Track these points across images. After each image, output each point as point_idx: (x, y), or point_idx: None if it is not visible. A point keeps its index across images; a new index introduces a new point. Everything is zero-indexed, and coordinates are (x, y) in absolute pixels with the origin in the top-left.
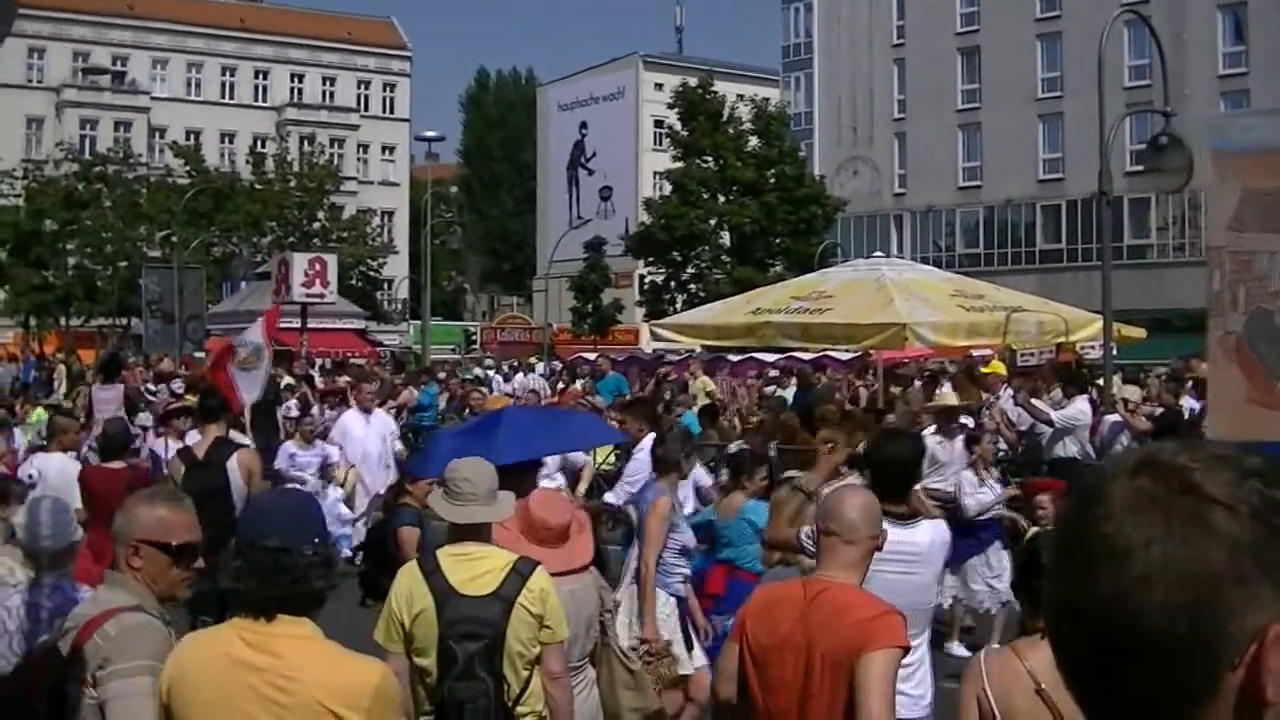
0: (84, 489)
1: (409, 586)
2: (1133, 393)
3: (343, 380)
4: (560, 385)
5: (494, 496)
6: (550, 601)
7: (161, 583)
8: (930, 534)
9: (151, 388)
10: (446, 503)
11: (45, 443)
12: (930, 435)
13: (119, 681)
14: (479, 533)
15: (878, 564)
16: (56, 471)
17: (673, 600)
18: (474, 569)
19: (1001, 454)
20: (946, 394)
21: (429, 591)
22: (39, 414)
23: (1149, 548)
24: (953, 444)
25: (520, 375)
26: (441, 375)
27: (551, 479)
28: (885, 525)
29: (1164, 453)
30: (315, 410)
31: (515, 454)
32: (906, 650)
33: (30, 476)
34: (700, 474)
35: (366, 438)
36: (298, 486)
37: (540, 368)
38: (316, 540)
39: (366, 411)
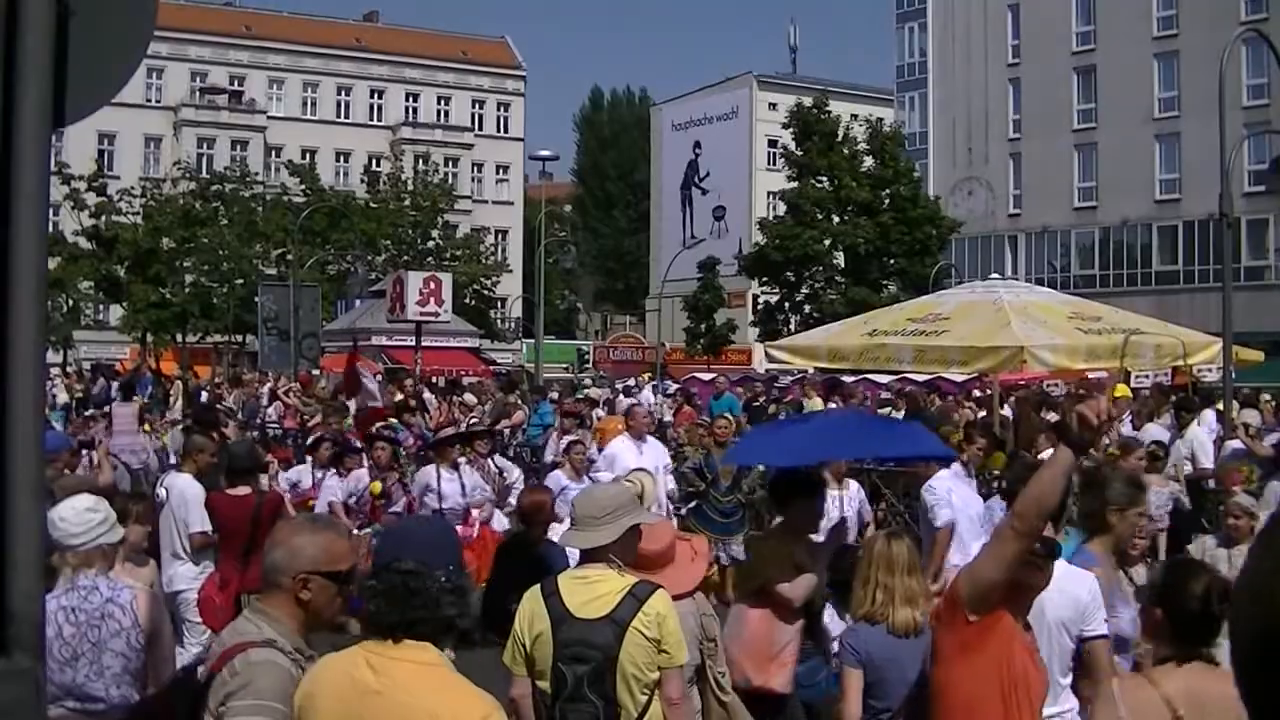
0: (211, 515)
1: (531, 609)
2: (1253, 416)
3: (468, 398)
4: (676, 405)
5: (596, 523)
6: (668, 625)
7: (328, 612)
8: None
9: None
10: (563, 528)
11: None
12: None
13: (240, 718)
14: (600, 556)
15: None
16: (178, 492)
17: None
18: (591, 591)
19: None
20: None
21: (547, 613)
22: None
23: None
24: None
25: (640, 392)
26: (554, 395)
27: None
28: None
29: None
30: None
31: (821, 453)
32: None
33: (160, 495)
34: None
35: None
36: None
37: (647, 389)
38: (451, 568)
39: (639, 439)
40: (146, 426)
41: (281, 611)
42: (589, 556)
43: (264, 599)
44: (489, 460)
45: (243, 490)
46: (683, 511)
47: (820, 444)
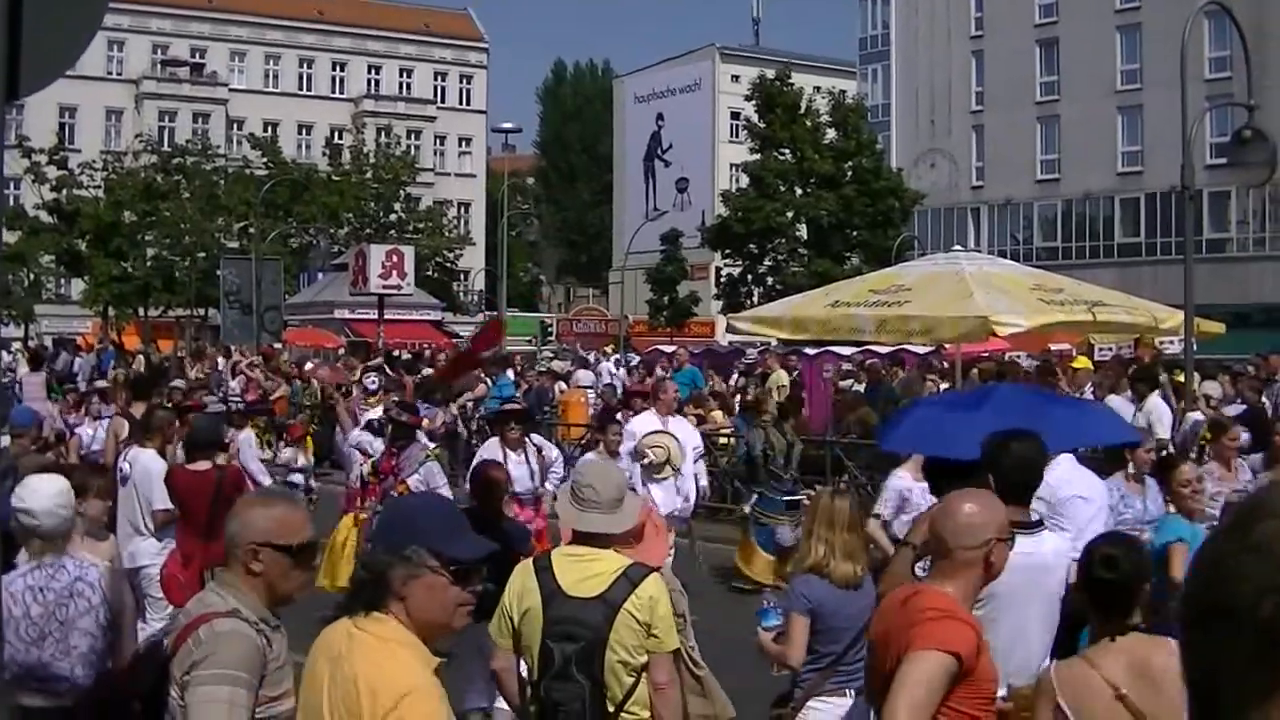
0: (170, 490)
1: (521, 583)
2: (1213, 389)
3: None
4: (639, 378)
5: (616, 506)
6: (660, 609)
7: (282, 585)
8: (1054, 543)
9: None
10: (570, 506)
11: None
12: None
13: (200, 688)
14: (598, 539)
15: (1005, 573)
16: (141, 468)
17: None
18: (585, 570)
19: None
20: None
21: (538, 589)
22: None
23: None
24: None
25: (599, 365)
26: (518, 367)
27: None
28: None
29: None
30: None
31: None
32: (956, 657)
33: (123, 470)
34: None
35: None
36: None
37: (608, 362)
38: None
39: (666, 416)
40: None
41: (244, 583)
42: (585, 537)
43: (227, 571)
44: (527, 439)
45: (203, 465)
46: (746, 509)
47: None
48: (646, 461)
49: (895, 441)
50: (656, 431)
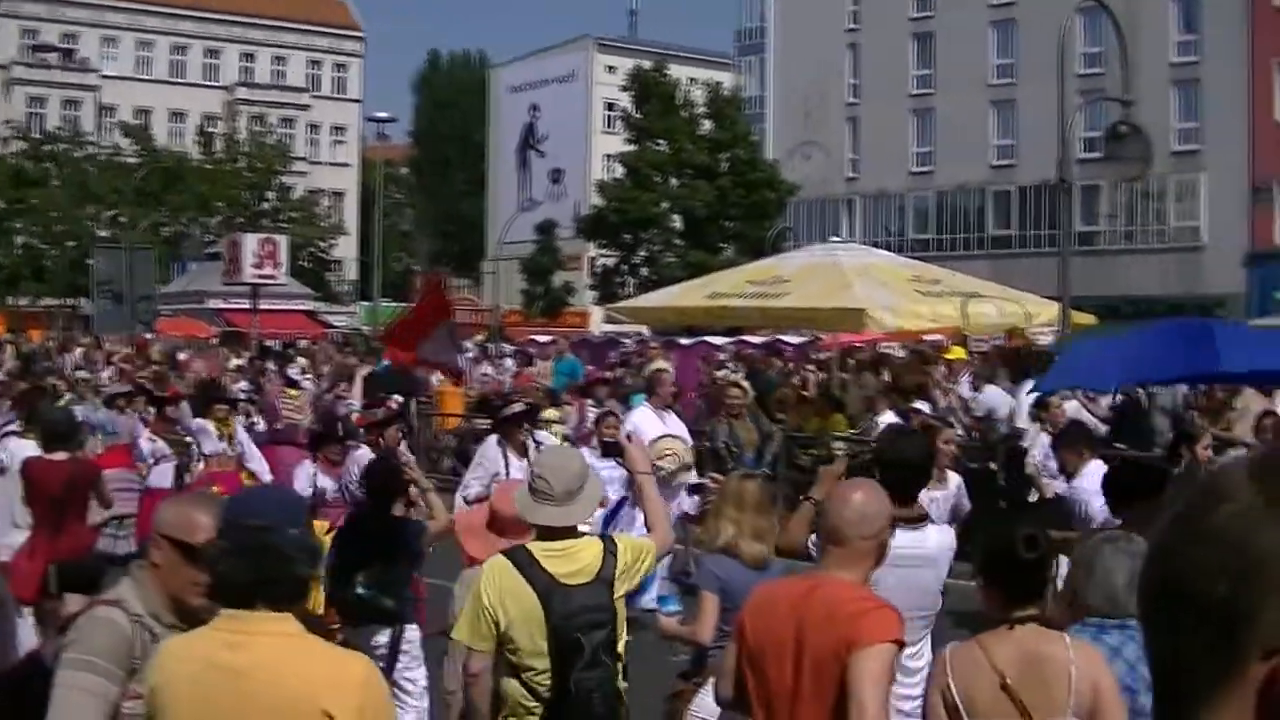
0: (26, 482)
1: (499, 583)
2: None
3: (302, 362)
4: (516, 369)
5: (571, 497)
6: (629, 556)
7: (173, 582)
8: (938, 538)
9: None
10: (527, 499)
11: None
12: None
13: (62, 673)
14: (568, 533)
15: (886, 565)
16: (13, 458)
17: None
18: (574, 561)
19: (960, 439)
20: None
21: (527, 586)
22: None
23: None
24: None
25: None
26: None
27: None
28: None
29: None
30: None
31: (1149, 372)
32: (902, 645)
33: (0, 461)
34: None
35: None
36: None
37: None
38: (300, 530)
39: (663, 409)
40: None
41: (146, 574)
42: (554, 533)
43: (143, 561)
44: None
45: (60, 456)
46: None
47: (1150, 361)
48: (661, 474)
49: (1050, 381)
50: (662, 437)
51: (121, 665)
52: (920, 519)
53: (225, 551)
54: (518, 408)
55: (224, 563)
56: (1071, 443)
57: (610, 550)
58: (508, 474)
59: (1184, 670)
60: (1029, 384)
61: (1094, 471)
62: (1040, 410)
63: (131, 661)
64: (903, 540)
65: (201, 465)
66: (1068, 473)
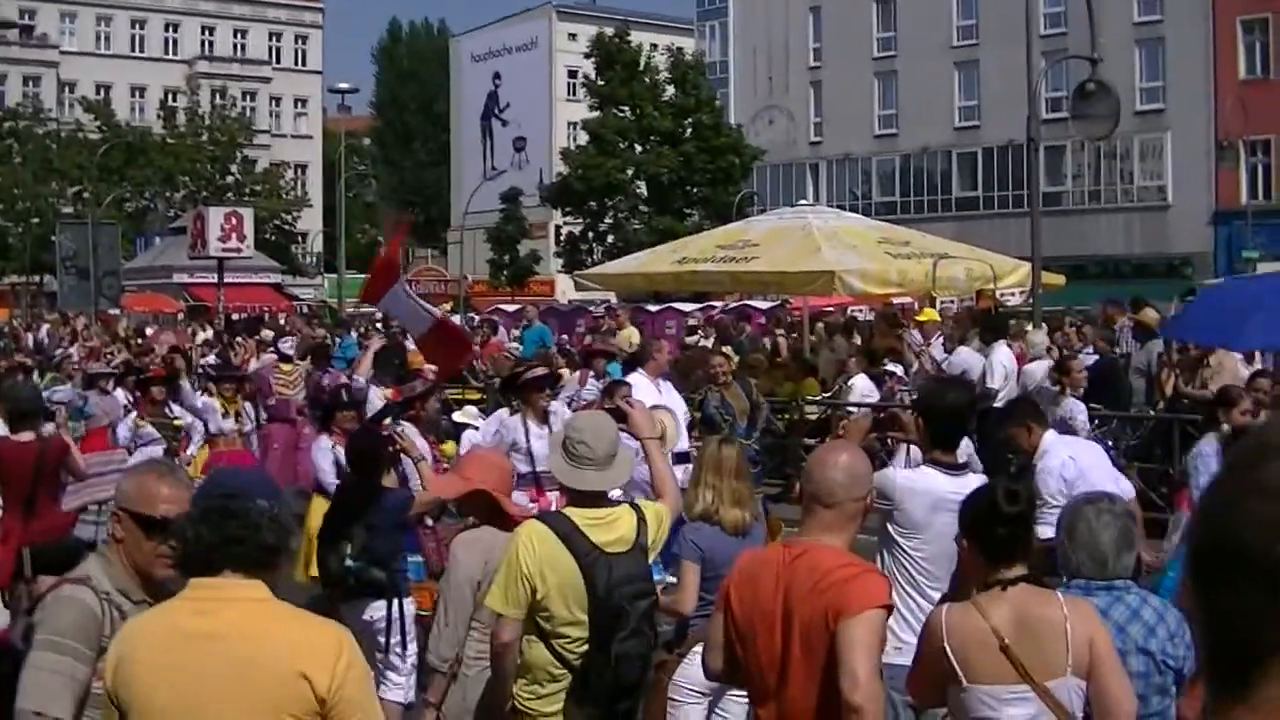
0: None
1: (542, 551)
2: (1040, 338)
3: (266, 334)
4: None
5: (611, 461)
6: (655, 518)
7: (136, 555)
8: (977, 485)
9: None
10: (564, 464)
11: None
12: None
13: (32, 653)
14: (601, 494)
15: (934, 513)
16: None
17: None
18: (613, 530)
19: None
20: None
21: (569, 552)
22: None
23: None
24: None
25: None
26: (362, 329)
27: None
28: (939, 475)
29: None
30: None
31: None
32: (889, 610)
33: None
34: None
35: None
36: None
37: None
38: (271, 504)
39: (658, 378)
40: None
41: (112, 550)
42: (590, 496)
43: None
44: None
45: (26, 436)
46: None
47: None
48: None
49: (1185, 330)
50: (655, 407)
51: (90, 644)
52: (963, 466)
53: (190, 519)
54: (540, 371)
55: (189, 529)
56: (1019, 419)
57: (641, 518)
58: (528, 442)
59: (1241, 635)
60: (1001, 344)
61: (1052, 449)
62: (1061, 375)
63: (101, 640)
64: (950, 485)
65: (201, 446)
66: (1024, 450)
